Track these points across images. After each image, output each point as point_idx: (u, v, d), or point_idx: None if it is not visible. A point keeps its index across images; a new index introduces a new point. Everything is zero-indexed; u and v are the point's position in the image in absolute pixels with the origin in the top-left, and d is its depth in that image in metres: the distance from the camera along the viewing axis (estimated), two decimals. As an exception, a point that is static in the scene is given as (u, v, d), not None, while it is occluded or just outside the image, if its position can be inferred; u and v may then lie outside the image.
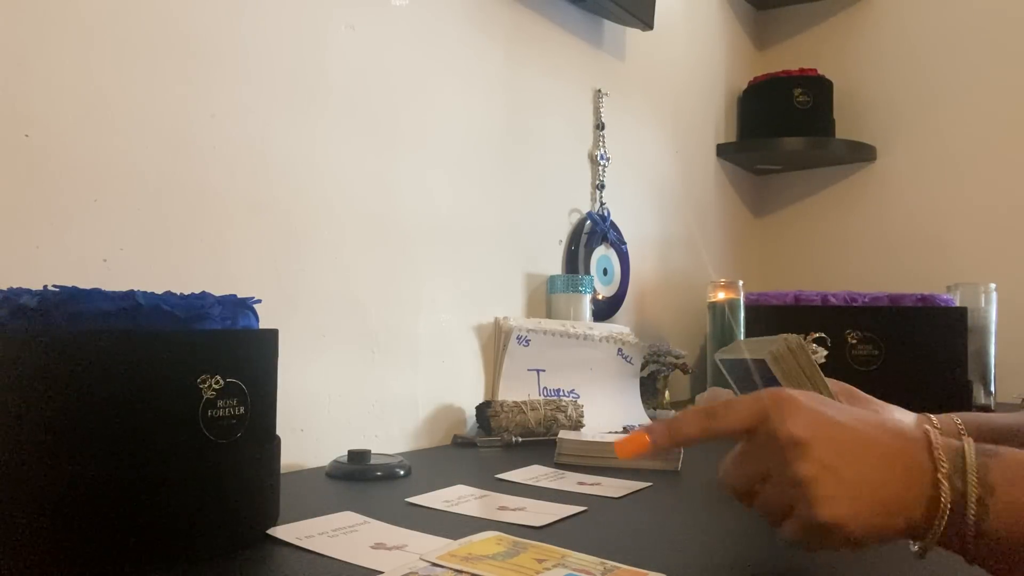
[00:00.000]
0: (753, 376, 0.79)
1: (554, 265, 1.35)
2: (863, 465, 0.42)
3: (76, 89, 0.71)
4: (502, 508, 0.68)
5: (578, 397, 1.18)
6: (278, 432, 0.61)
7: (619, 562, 0.51)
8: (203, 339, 0.53)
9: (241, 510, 0.55)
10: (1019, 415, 0.80)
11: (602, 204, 1.45)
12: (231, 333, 0.55)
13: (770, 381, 0.79)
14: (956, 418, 0.78)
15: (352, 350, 0.96)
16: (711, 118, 1.96)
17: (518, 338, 1.16)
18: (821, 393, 0.78)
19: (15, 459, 0.47)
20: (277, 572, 0.51)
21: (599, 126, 1.46)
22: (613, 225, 1.45)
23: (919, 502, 0.42)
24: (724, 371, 0.82)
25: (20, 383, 0.47)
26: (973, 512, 0.41)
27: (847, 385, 0.78)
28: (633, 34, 1.57)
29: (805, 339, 1.36)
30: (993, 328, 1.56)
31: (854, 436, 0.43)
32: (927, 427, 0.45)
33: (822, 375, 0.72)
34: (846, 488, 0.41)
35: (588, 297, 1.31)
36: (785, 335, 0.76)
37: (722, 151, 1.99)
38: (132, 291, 0.51)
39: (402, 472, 0.82)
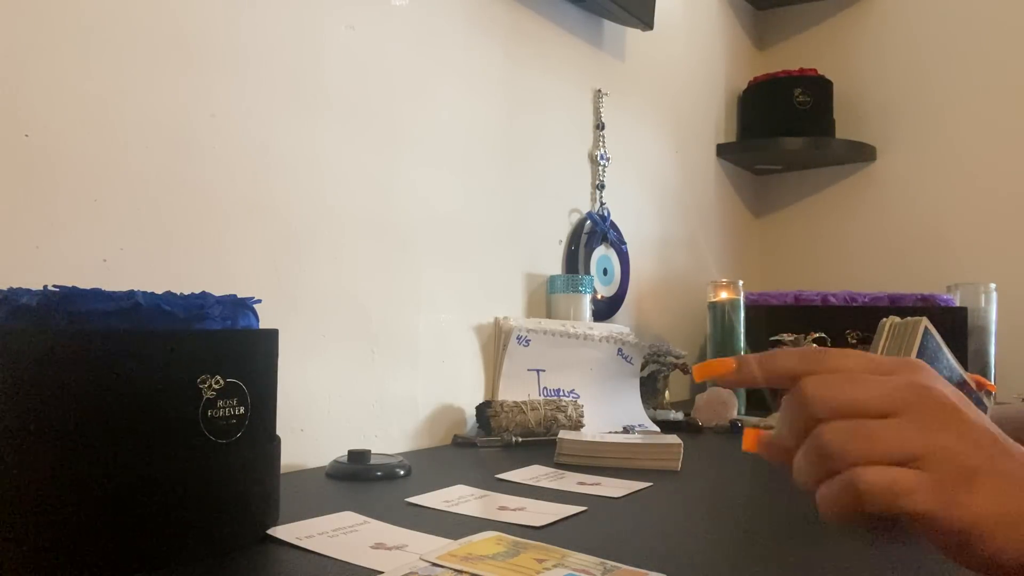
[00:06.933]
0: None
1: (554, 265, 1.35)
2: (1012, 457, 0.33)
3: (76, 89, 0.71)
4: (502, 508, 0.68)
5: (578, 397, 1.18)
6: (278, 432, 0.61)
7: (619, 562, 0.51)
8: (203, 339, 0.53)
9: (241, 510, 0.55)
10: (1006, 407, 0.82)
11: (602, 204, 1.45)
12: (231, 333, 0.55)
13: (938, 357, 0.79)
14: None
15: (352, 350, 0.96)
16: (711, 118, 1.96)
17: (518, 338, 1.16)
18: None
19: (15, 459, 0.47)
20: (277, 572, 0.51)
21: (599, 126, 1.46)
22: (613, 225, 1.45)
23: None
24: None
25: (20, 383, 0.47)
26: None
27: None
28: (633, 34, 1.57)
29: (805, 339, 1.36)
30: (993, 328, 1.56)
31: (995, 431, 0.34)
32: None
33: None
34: (999, 474, 0.31)
35: (588, 297, 1.31)
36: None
37: (722, 151, 1.99)
38: (132, 291, 0.51)
39: (402, 472, 0.82)
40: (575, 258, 1.38)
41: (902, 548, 0.45)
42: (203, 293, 0.56)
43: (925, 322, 0.84)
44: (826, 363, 0.35)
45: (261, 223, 0.87)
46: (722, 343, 1.46)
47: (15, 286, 0.54)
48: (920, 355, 0.81)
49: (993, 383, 1.55)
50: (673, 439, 0.90)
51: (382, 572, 0.49)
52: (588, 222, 1.40)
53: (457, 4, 1.14)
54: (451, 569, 0.49)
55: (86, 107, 0.72)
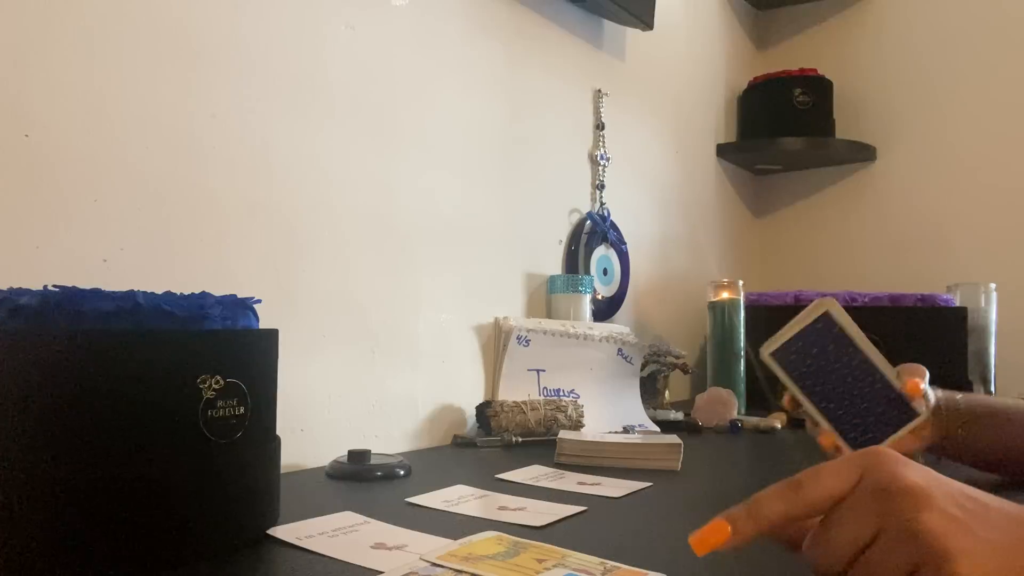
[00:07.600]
0: (826, 353, 0.68)
1: (554, 265, 1.35)
2: (992, 523, 0.37)
3: (76, 89, 0.71)
4: (502, 508, 0.67)
5: (578, 397, 1.18)
6: (278, 432, 0.61)
7: (619, 562, 0.51)
8: (203, 339, 0.53)
9: (241, 510, 0.55)
10: (1000, 399, 0.81)
11: (602, 204, 1.45)
12: (231, 333, 0.55)
13: (842, 346, 0.68)
14: (957, 395, 0.79)
15: (352, 350, 0.96)
16: (711, 118, 1.96)
17: (518, 338, 1.16)
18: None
19: (14, 459, 0.47)
20: (277, 572, 0.51)
21: (599, 126, 1.46)
22: (613, 225, 1.45)
23: None
24: (778, 368, 0.69)
25: (19, 383, 0.47)
26: None
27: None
28: (633, 34, 1.57)
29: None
30: (993, 328, 1.56)
31: (972, 493, 0.38)
32: None
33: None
34: (981, 544, 0.35)
35: (588, 297, 1.31)
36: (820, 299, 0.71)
37: (722, 151, 1.99)
38: (132, 291, 0.51)
39: (402, 472, 0.82)
40: (575, 258, 1.38)
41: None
42: (203, 293, 0.56)
43: (828, 305, 0.71)
44: (804, 497, 0.39)
45: (261, 223, 0.87)
46: (722, 343, 1.46)
47: (15, 286, 0.54)
48: (802, 338, 0.68)
49: (993, 383, 1.55)
50: (673, 439, 0.90)
51: (382, 572, 0.49)
52: (588, 222, 1.40)
53: (457, 4, 1.14)
54: (451, 569, 0.49)
55: (87, 107, 0.72)
